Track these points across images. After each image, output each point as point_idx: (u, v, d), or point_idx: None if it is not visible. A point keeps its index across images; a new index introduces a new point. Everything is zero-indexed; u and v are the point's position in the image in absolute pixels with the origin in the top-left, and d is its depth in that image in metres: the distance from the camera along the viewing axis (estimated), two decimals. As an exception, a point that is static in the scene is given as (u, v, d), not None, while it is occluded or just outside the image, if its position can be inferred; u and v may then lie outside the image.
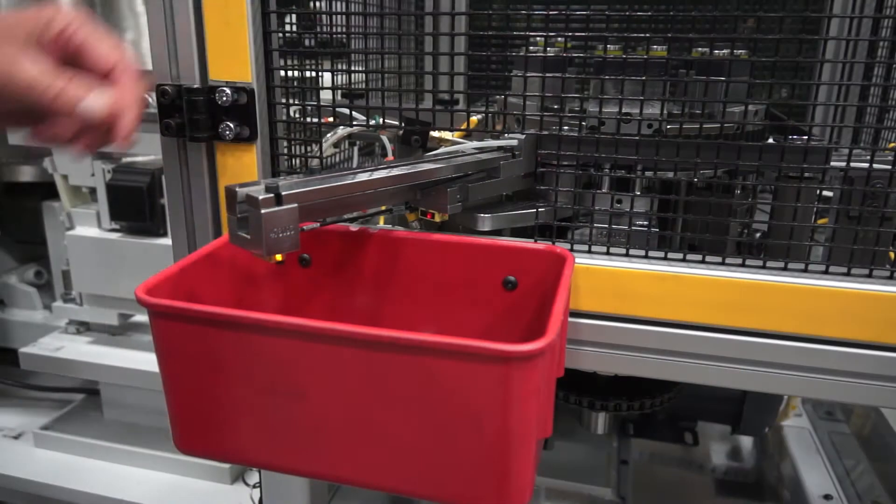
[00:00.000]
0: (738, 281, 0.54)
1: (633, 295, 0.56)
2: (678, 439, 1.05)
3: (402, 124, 0.72)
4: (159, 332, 0.46)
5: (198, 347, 0.45)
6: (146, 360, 1.35)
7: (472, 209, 0.59)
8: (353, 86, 0.64)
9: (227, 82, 0.60)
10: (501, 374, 0.39)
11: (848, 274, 0.53)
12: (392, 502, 0.98)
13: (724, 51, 0.59)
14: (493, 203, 0.61)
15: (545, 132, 0.60)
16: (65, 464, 1.32)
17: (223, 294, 0.55)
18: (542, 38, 0.63)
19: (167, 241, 1.31)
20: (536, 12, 0.58)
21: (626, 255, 0.57)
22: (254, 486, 1.23)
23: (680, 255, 0.56)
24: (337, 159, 0.78)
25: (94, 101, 0.46)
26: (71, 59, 0.48)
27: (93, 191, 1.39)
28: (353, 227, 0.58)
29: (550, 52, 0.63)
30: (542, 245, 0.56)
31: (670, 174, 0.59)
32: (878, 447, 1.09)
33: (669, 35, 0.55)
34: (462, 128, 0.71)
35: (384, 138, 0.73)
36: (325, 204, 0.50)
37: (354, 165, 0.78)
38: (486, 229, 0.59)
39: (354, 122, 0.68)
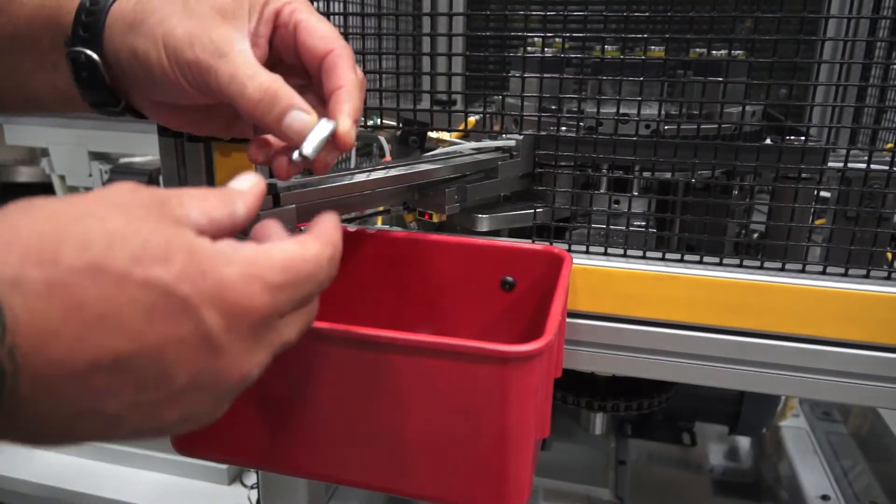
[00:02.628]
0: (736, 281, 0.54)
1: (631, 295, 0.56)
2: (676, 440, 1.05)
3: (400, 125, 0.72)
4: (156, 333, 0.46)
5: (195, 348, 0.45)
6: (144, 361, 1.34)
7: (470, 210, 0.59)
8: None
9: (224, 83, 0.60)
10: (499, 374, 0.39)
11: (845, 274, 0.53)
12: (390, 503, 0.98)
13: (722, 51, 0.59)
14: (491, 203, 0.61)
15: (543, 133, 0.60)
16: (62, 464, 1.32)
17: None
18: (540, 39, 0.63)
19: (165, 241, 1.30)
20: (534, 13, 0.58)
21: (624, 255, 0.57)
22: (251, 487, 1.22)
23: (678, 256, 0.56)
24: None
25: (300, 116, 0.38)
26: (280, 48, 0.41)
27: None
28: (351, 228, 0.58)
29: (548, 52, 0.63)
30: (539, 245, 0.56)
31: (668, 175, 0.60)
32: (876, 448, 1.09)
33: (667, 36, 0.55)
34: (460, 128, 0.71)
35: (382, 139, 0.73)
36: (323, 205, 0.49)
37: (352, 166, 0.78)
38: (484, 230, 0.59)
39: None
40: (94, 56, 0.41)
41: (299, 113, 0.39)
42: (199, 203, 0.31)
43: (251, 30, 0.40)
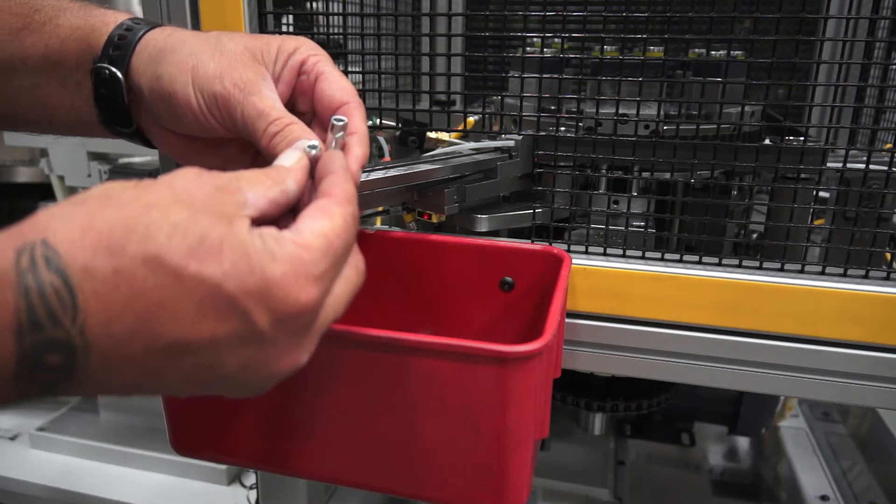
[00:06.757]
0: (735, 282, 0.54)
1: (630, 296, 0.56)
2: (675, 440, 1.05)
3: (399, 125, 0.72)
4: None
5: (194, 348, 0.45)
6: (143, 362, 1.34)
7: (469, 210, 0.59)
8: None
9: (223, 83, 0.60)
10: (499, 375, 0.39)
11: (844, 275, 0.53)
12: (389, 503, 0.98)
13: (721, 52, 0.59)
14: (490, 204, 0.61)
15: (542, 133, 0.60)
16: (61, 465, 1.32)
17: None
18: (539, 39, 0.63)
19: (164, 241, 1.30)
20: (533, 13, 0.58)
21: (623, 255, 0.57)
22: (250, 488, 1.22)
23: (677, 256, 0.56)
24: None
25: (310, 144, 0.39)
26: (298, 95, 0.45)
27: (89, 192, 1.39)
28: (350, 228, 0.58)
29: (547, 52, 0.63)
30: (539, 246, 0.56)
31: (667, 175, 0.60)
32: (875, 448, 1.09)
33: (666, 36, 0.55)
34: (459, 129, 0.71)
35: (381, 139, 0.73)
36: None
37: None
38: (484, 230, 0.59)
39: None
40: (118, 73, 0.44)
41: (306, 141, 0.40)
42: (255, 187, 0.33)
43: (276, 73, 0.44)
